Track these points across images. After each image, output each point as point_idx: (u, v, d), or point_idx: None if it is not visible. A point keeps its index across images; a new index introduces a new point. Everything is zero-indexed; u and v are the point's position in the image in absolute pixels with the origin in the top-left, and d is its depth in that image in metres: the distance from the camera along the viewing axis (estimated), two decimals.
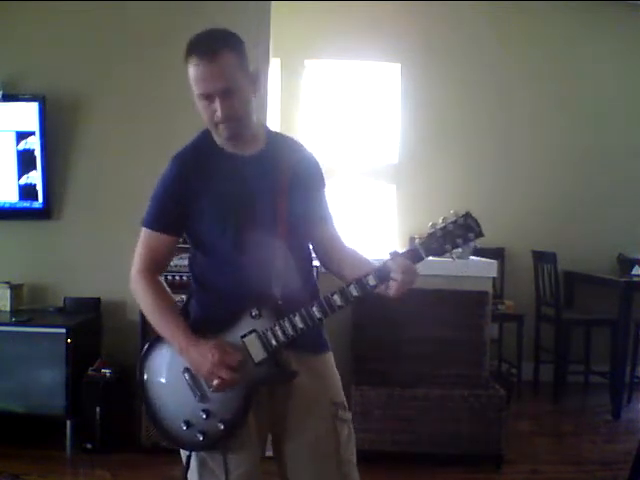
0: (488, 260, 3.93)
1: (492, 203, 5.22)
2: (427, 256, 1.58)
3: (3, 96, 3.75)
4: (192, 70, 1.60)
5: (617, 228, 5.24)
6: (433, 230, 1.58)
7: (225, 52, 1.59)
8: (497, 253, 4.96)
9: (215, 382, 1.59)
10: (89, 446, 3.42)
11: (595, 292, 5.04)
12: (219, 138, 1.70)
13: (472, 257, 3.80)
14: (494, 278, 3.95)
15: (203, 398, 1.65)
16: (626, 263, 4.88)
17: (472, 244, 1.59)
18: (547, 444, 3.85)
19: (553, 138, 5.34)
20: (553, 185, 5.31)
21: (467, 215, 1.58)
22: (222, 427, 1.64)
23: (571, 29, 5.33)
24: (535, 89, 5.33)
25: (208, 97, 1.60)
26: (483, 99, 5.31)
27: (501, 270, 5.00)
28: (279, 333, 1.62)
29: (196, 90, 1.61)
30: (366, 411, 3.33)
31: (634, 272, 4.68)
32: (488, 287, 3.79)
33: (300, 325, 1.61)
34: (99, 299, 3.83)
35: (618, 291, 4.43)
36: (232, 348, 1.61)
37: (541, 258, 4.90)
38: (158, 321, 1.68)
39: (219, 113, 1.61)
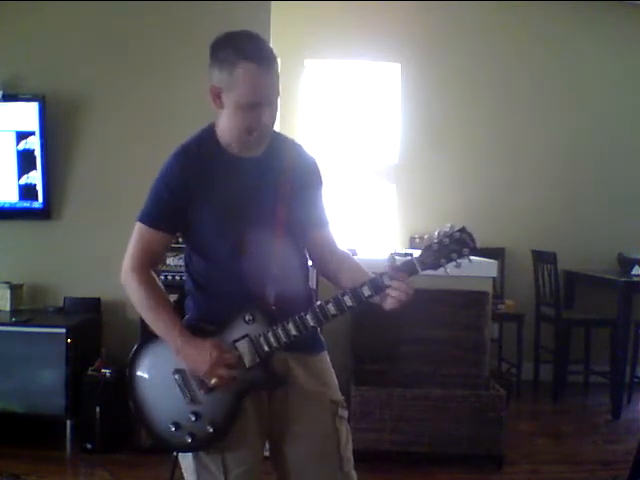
0: (488, 260, 3.93)
1: (492, 203, 5.23)
2: (423, 270, 1.59)
3: (3, 96, 3.75)
4: (247, 76, 1.54)
5: (617, 228, 5.24)
6: (429, 244, 1.59)
7: (275, 59, 1.58)
8: (497, 253, 4.95)
9: (213, 381, 1.59)
10: (89, 446, 3.42)
11: (595, 292, 5.04)
12: (242, 144, 1.67)
13: (472, 257, 3.79)
14: (494, 278, 3.95)
15: (193, 400, 1.64)
16: (626, 263, 4.88)
17: (467, 259, 1.59)
18: (547, 444, 3.85)
19: (553, 138, 5.34)
20: (553, 185, 5.31)
21: (463, 230, 1.59)
22: (211, 430, 1.63)
23: (573, 29, 5.32)
24: (536, 89, 5.33)
25: (255, 104, 1.58)
26: (483, 99, 5.31)
27: (501, 270, 5.00)
28: (272, 339, 1.61)
29: (247, 97, 1.56)
30: (366, 411, 3.33)
31: (634, 272, 4.67)
32: (488, 287, 3.79)
33: (293, 332, 1.60)
34: (99, 299, 3.83)
35: (618, 291, 4.42)
36: (228, 347, 1.62)
37: (541, 258, 4.90)
38: (151, 317, 1.66)
39: (265, 121, 1.60)
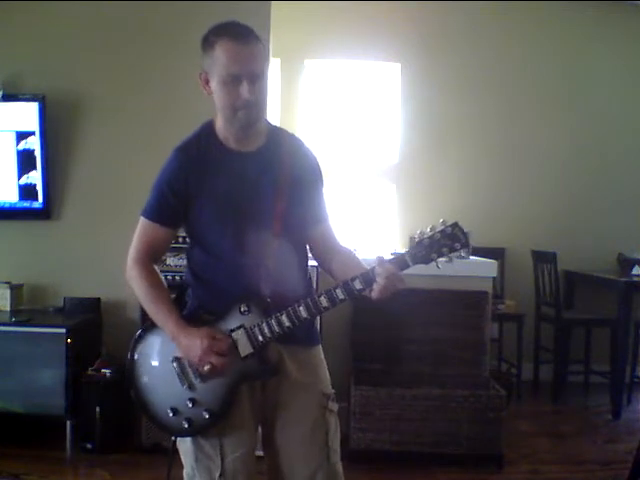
0: (488, 260, 3.93)
1: (492, 203, 5.24)
2: (414, 264, 1.60)
3: (3, 96, 3.75)
4: (223, 50, 1.61)
5: (617, 228, 5.24)
6: (421, 239, 1.60)
7: (255, 38, 1.66)
8: (497, 253, 4.95)
9: (205, 368, 1.64)
10: (89, 446, 3.42)
11: (595, 292, 5.04)
12: (232, 126, 1.69)
13: (472, 257, 3.80)
14: (494, 278, 3.95)
15: (190, 387, 1.69)
16: (626, 263, 4.88)
17: (459, 254, 1.60)
18: (547, 444, 3.84)
19: (554, 138, 5.34)
20: (553, 185, 5.31)
21: (454, 225, 1.60)
22: (207, 416, 1.68)
23: (573, 29, 5.33)
24: (536, 89, 5.33)
25: (236, 79, 1.61)
26: (483, 99, 5.31)
27: (501, 270, 5.00)
28: (266, 330, 1.65)
29: (226, 70, 1.61)
30: (366, 411, 3.32)
31: (634, 272, 4.67)
32: (488, 287, 3.79)
33: (287, 323, 1.64)
34: (99, 299, 3.83)
35: (618, 291, 4.43)
36: (221, 335, 1.66)
37: (541, 258, 4.90)
38: (152, 308, 1.72)
39: (246, 95, 1.62)
